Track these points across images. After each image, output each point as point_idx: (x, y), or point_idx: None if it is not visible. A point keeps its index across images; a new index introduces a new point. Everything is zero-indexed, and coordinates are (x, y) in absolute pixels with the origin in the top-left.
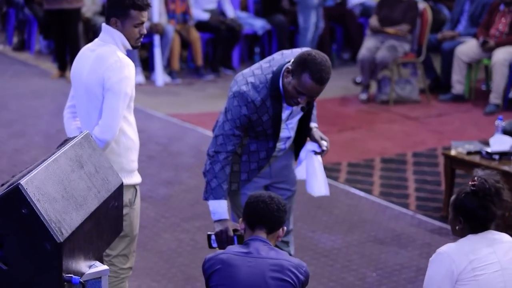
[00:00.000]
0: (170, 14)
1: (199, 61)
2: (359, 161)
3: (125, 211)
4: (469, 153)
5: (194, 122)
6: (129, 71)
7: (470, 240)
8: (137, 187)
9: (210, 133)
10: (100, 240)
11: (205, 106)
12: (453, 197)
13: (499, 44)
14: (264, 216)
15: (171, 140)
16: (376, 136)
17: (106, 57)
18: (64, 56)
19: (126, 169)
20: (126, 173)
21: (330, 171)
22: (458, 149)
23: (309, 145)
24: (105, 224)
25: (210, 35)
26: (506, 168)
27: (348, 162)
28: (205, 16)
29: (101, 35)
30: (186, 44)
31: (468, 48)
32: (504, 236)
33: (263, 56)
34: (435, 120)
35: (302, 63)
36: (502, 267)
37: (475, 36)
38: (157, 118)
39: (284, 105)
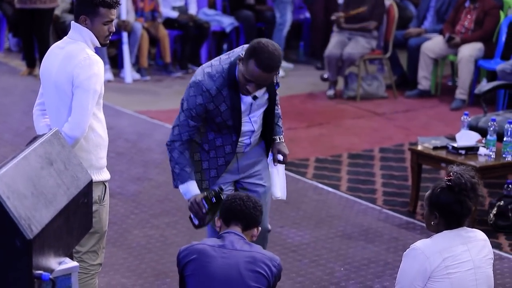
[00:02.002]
0: (139, 13)
1: (168, 58)
2: (327, 156)
3: (94, 207)
4: (435, 148)
5: (162, 118)
6: (98, 68)
7: (445, 237)
8: (107, 184)
9: None
10: (70, 237)
11: (173, 102)
12: (428, 192)
13: (464, 41)
14: (240, 212)
15: (140, 137)
16: (343, 132)
17: (75, 54)
18: (33, 53)
19: (95, 166)
20: (95, 170)
21: (298, 166)
22: (424, 145)
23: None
24: (74, 220)
25: (179, 32)
26: (472, 163)
27: (316, 157)
28: (174, 14)
29: (70, 32)
30: (154, 41)
31: (434, 44)
32: (478, 233)
33: None
34: (402, 115)
35: (250, 50)
36: (475, 265)
37: (441, 32)
38: (126, 114)
39: (243, 96)
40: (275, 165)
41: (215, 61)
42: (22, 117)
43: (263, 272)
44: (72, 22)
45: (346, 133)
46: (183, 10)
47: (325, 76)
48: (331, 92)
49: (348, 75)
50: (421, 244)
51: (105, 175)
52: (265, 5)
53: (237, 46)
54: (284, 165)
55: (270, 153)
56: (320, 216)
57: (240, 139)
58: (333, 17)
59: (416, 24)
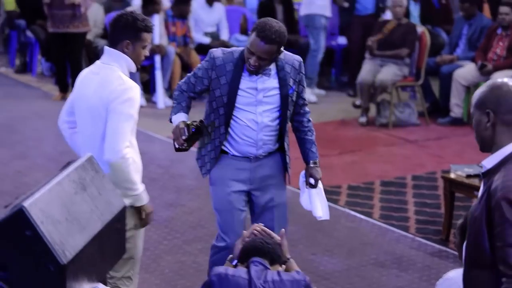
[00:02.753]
0: (171, 37)
1: None
2: (359, 184)
3: (130, 233)
4: (468, 176)
5: (196, 145)
6: (134, 93)
7: None
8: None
9: None
10: (103, 262)
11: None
12: (460, 221)
13: (497, 68)
14: (263, 248)
15: (172, 163)
16: (376, 159)
17: (111, 80)
18: (65, 78)
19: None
20: (130, 196)
21: (330, 194)
22: (457, 172)
23: (301, 177)
24: (108, 246)
25: None
26: None
27: (348, 185)
28: (206, 40)
29: (103, 57)
30: (186, 66)
31: (466, 71)
32: None
33: None
34: (434, 143)
35: (255, 24)
36: None
37: (473, 59)
38: (159, 140)
39: (244, 74)
40: (307, 187)
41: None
42: (55, 142)
43: None
44: (106, 47)
45: (378, 160)
46: (215, 36)
47: (357, 103)
48: (363, 119)
49: (380, 102)
50: (455, 274)
51: (140, 201)
52: (297, 33)
53: None
54: (321, 186)
55: (302, 175)
56: (353, 243)
57: (246, 133)
58: (369, 42)
59: (448, 51)
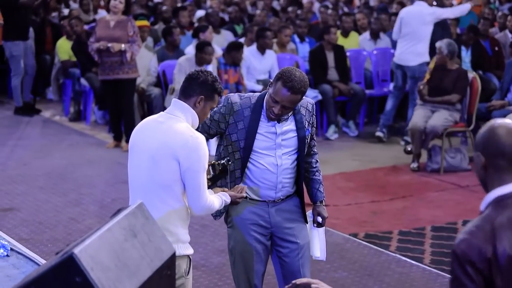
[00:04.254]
0: (224, 85)
1: None
2: (410, 229)
3: (180, 281)
4: None
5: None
6: (205, 147)
7: None
8: (191, 257)
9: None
10: None
11: None
12: None
13: None
14: None
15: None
16: (426, 205)
17: (179, 129)
18: (119, 126)
19: (181, 240)
20: (181, 244)
21: (381, 239)
22: None
23: (309, 216)
24: None
25: None
26: None
27: (399, 230)
28: (258, 87)
29: (171, 109)
30: None
31: None
32: None
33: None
34: None
35: (279, 74)
36: None
37: None
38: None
39: (262, 118)
40: (314, 226)
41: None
42: (107, 189)
43: None
44: (176, 100)
45: (429, 206)
46: (267, 83)
47: (409, 148)
48: (414, 165)
49: (431, 147)
50: None
51: (190, 249)
52: (349, 81)
53: (320, 118)
54: (324, 227)
55: (310, 214)
56: None
57: (265, 177)
58: (420, 87)
59: (499, 97)
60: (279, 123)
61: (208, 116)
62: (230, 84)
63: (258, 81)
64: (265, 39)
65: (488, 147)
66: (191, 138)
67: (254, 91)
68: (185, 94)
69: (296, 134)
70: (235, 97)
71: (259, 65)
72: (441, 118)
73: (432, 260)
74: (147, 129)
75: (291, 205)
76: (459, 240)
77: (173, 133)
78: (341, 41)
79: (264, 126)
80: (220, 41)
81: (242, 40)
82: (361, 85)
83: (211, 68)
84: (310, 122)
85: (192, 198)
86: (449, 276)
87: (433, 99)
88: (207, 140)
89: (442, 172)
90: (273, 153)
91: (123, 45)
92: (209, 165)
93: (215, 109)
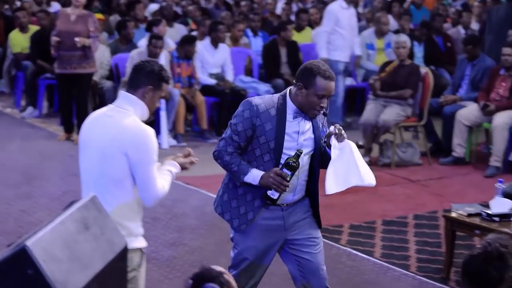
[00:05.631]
0: (176, 78)
1: (204, 124)
2: (361, 223)
3: (132, 274)
4: (469, 215)
5: (197, 184)
6: (152, 138)
7: None
8: (144, 251)
9: (213, 195)
10: None
11: (209, 168)
12: (463, 261)
13: (499, 108)
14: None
15: (175, 202)
16: (377, 199)
17: (127, 124)
18: (70, 119)
19: (134, 233)
20: (134, 237)
21: (332, 233)
22: (458, 212)
23: (332, 142)
24: (110, 285)
25: (215, 99)
26: (506, 230)
27: (350, 224)
28: (211, 81)
29: (118, 101)
30: (191, 107)
31: (469, 112)
32: None
33: None
34: (436, 182)
35: (310, 71)
36: None
37: (476, 100)
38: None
39: (289, 117)
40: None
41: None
42: (58, 182)
43: None
44: (122, 92)
45: (380, 200)
46: (219, 77)
47: (360, 143)
48: (366, 159)
49: (383, 142)
50: None
51: (143, 242)
52: None
53: None
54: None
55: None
56: (354, 282)
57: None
58: (371, 81)
59: (451, 92)
60: (325, 115)
61: (229, 132)
62: (183, 77)
63: (211, 75)
64: (217, 33)
65: None
66: (139, 132)
67: (206, 85)
68: (133, 85)
69: (313, 135)
70: (256, 99)
71: (212, 58)
72: (393, 113)
73: (382, 254)
74: (96, 124)
75: (304, 205)
76: None
77: (122, 128)
78: (294, 35)
79: (290, 126)
80: (173, 34)
81: (195, 33)
82: None
83: (163, 61)
84: (323, 123)
85: (143, 190)
86: (398, 269)
87: (385, 94)
88: (240, 155)
89: (393, 166)
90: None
91: (87, 41)
92: (282, 168)
93: (234, 121)
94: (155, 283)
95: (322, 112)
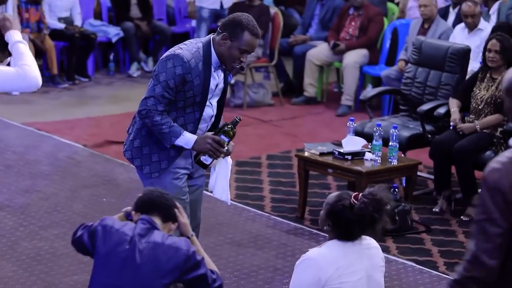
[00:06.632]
0: (24, 23)
1: (54, 69)
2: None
3: None
4: (322, 154)
5: (50, 130)
6: None
7: (337, 246)
8: None
9: (66, 141)
10: None
11: (61, 114)
12: (331, 202)
13: (349, 47)
14: (160, 204)
15: (27, 149)
16: None
17: None
18: None
19: None
20: None
21: None
22: (311, 151)
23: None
24: None
25: (65, 43)
26: (358, 168)
27: None
28: (60, 26)
29: None
30: (40, 52)
31: (319, 51)
32: (371, 241)
33: (117, 63)
34: (288, 122)
35: (238, 25)
36: (367, 274)
37: (326, 39)
38: (13, 126)
39: (213, 73)
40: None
41: (184, 43)
42: None
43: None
44: None
45: (233, 141)
46: (69, 21)
47: None
48: None
49: (234, 83)
50: (314, 254)
51: None
52: (151, 19)
53: (123, 56)
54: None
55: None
56: (209, 223)
57: (200, 126)
58: (219, 23)
59: (301, 32)
60: (242, 70)
61: (159, 89)
62: (32, 23)
63: (59, 19)
64: None
65: None
66: None
67: (56, 29)
68: None
69: (223, 84)
70: (187, 54)
71: (60, 2)
72: None
73: (237, 195)
74: None
75: None
76: (492, 168)
77: None
78: None
79: (212, 79)
80: None
81: None
82: (164, 21)
83: (10, 6)
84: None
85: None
86: (253, 210)
87: None
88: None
89: (245, 107)
90: (210, 103)
91: None
92: (220, 134)
93: (163, 77)
94: (9, 230)
95: (239, 66)
